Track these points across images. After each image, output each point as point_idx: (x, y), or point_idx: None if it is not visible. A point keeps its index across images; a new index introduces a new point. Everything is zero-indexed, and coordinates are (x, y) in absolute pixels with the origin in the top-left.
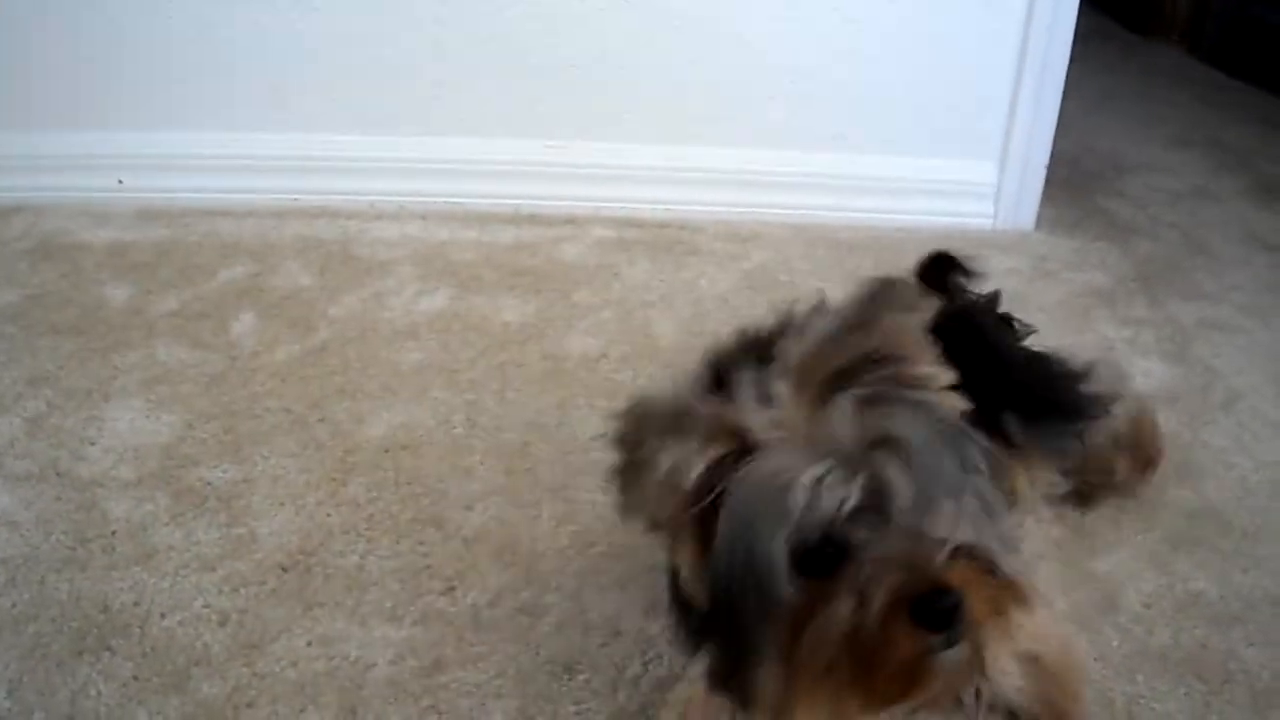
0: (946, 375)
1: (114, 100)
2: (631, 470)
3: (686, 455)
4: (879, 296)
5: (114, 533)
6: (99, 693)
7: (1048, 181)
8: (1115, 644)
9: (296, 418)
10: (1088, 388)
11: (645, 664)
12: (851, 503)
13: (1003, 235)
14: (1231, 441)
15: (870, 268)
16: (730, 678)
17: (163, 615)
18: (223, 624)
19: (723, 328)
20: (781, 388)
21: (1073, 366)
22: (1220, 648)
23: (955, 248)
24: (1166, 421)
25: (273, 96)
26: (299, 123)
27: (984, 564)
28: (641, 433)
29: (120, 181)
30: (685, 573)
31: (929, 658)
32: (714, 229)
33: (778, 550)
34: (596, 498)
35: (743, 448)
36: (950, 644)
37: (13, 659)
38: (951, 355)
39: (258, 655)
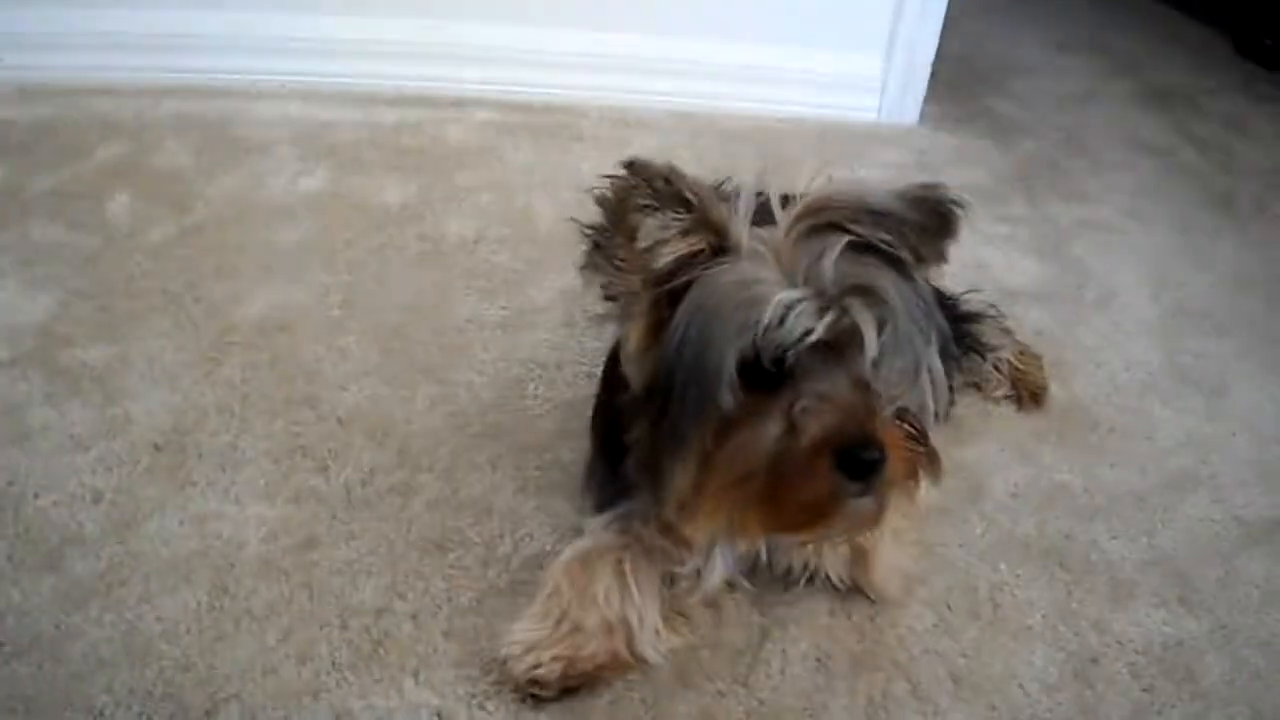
0: (937, 262)
1: None
2: (610, 232)
3: (668, 235)
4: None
5: None
6: None
7: (934, 79)
8: (980, 531)
9: (172, 297)
10: (970, 326)
11: (515, 542)
12: (816, 334)
13: (886, 129)
14: (1103, 340)
15: (753, 157)
16: (649, 466)
17: (36, 495)
18: (96, 503)
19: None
20: (779, 212)
21: (962, 308)
22: (1083, 539)
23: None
24: (1040, 319)
25: None
26: (180, 0)
27: (917, 432)
28: (630, 198)
29: (1, 59)
30: (630, 349)
31: (839, 501)
32: (599, 114)
33: (730, 354)
34: (472, 379)
35: (721, 248)
36: (862, 494)
37: None
38: None
39: (131, 534)
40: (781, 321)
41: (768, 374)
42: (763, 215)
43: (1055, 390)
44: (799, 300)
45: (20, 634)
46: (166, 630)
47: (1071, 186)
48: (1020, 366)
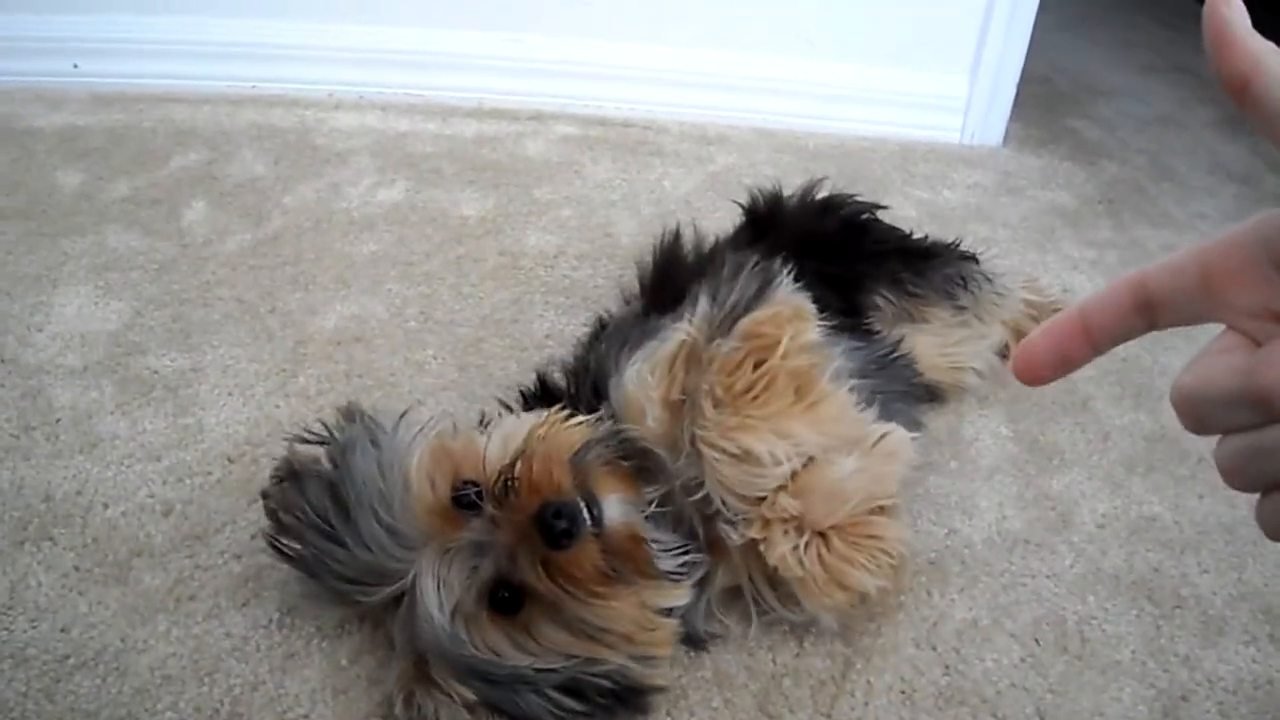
0: None
1: None
2: None
3: None
4: None
5: (58, 421)
6: (39, 583)
7: (1017, 100)
8: (1068, 563)
9: (247, 307)
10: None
11: None
12: None
13: (970, 150)
14: None
15: (835, 175)
16: None
17: (106, 505)
18: (167, 514)
19: (685, 230)
20: None
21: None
22: (1173, 572)
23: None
24: (1128, 346)
25: None
26: (259, 8)
27: None
28: None
29: (75, 66)
30: None
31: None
32: (680, 130)
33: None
34: None
35: None
36: None
37: None
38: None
39: (201, 547)
40: None
41: None
42: None
43: (1144, 419)
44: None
45: (85, 646)
46: (235, 647)
47: (1157, 211)
48: (1035, 297)
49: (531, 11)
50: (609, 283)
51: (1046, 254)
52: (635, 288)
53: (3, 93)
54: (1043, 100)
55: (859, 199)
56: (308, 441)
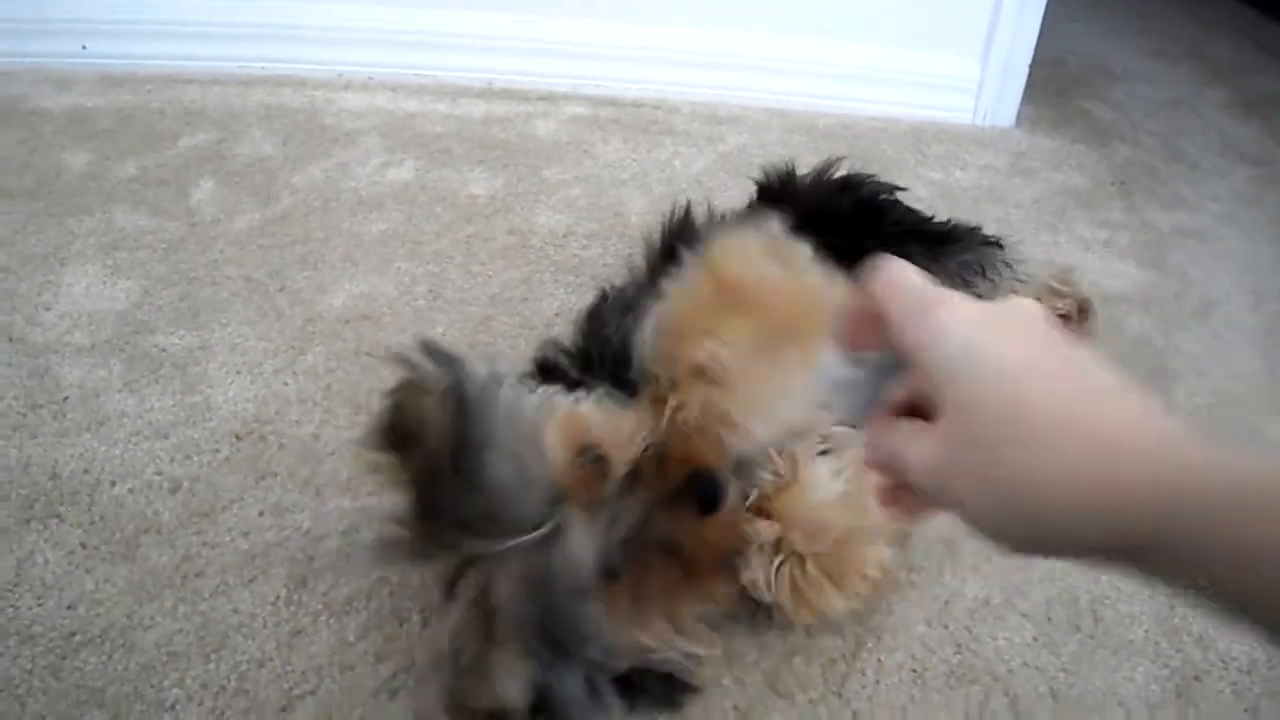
0: None
1: None
2: None
3: None
4: None
5: (66, 399)
6: (46, 560)
7: (1029, 82)
8: None
9: (256, 286)
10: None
11: None
12: None
13: (982, 131)
14: (1204, 349)
15: (847, 156)
16: None
17: (113, 483)
18: (174, 492)
19: (696, 209)
20: None
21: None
22: None
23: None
24: (1140, 325)
25: None
26: None
27: None
28: None
29: (84, 47)
30: None
31: None
32: (690, 110)
33: None
34: None
35: None
36: None
37: None
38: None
39: (208, 524)
40: None
41: None
42: None
43: (1157, 399)
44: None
45: (91, 623)
46: (242, 623)
47: (1169, 193)
48: (1063, 287)
49: None
50: (619, 261)
51: (1059, 235)
52: (643, 261)
53: (11, 74)
54: (1054, 82)
55: (877, 179)
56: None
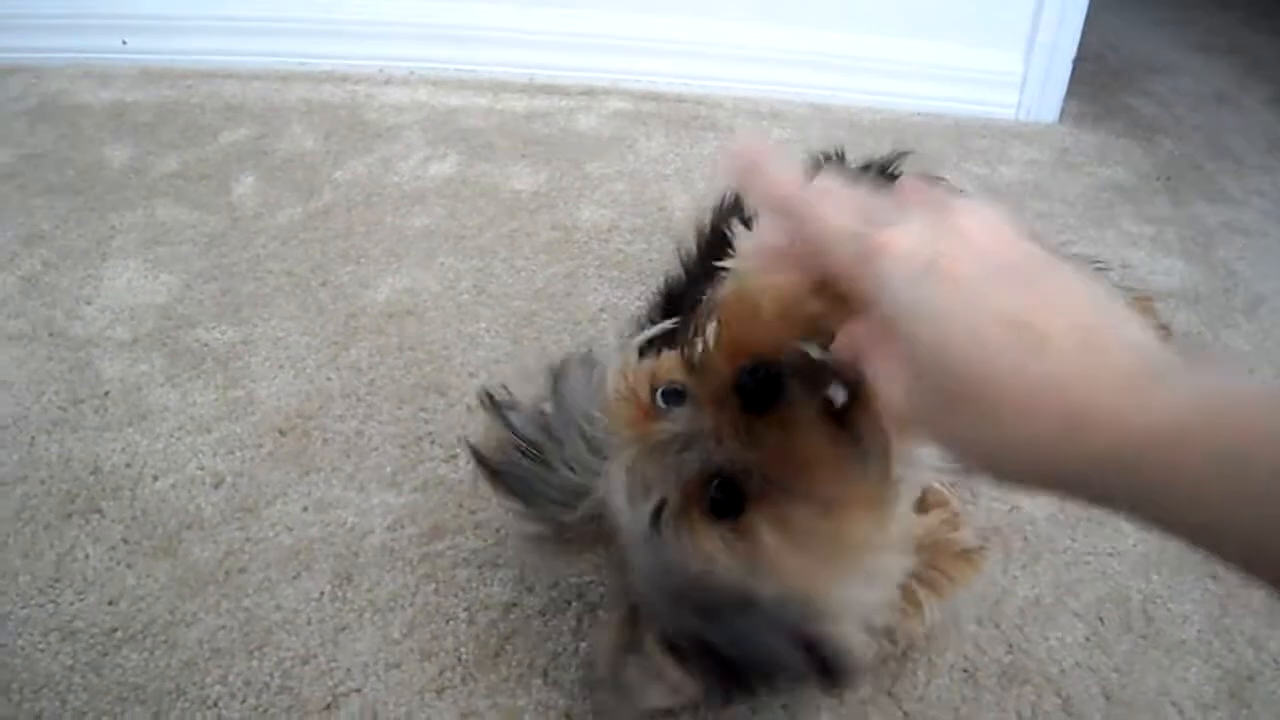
0: None
1: None
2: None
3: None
4: None
5: (107, 393)
6: (87, 555)
7: (1072, 76)
8: (1132, 541)
9: (298, 280)
10: None
11: None
12: None
13: (1026, 126)
14: (1253, 346)
15: (889, 151)
16: None
17: (155, 478)
18: (217, 487)
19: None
20: None
21: None
22: None
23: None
24: (1188, 321)
25: None
26: None
27: None
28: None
29: (124, 42)
30: None
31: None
32: (733, 105)
33: None
34: None
35: None
36: None
37: None
38: None
39: (252, 519)
40: None
41: None
42: None
43: None
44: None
45: (133, 619)
46: (286, 620)
47: (1214, 188)
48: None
49: None
50: (663, 257)
51: (1105, 230)
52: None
53: (52, 69)
54: (1098, 77)
55: (928, 174)
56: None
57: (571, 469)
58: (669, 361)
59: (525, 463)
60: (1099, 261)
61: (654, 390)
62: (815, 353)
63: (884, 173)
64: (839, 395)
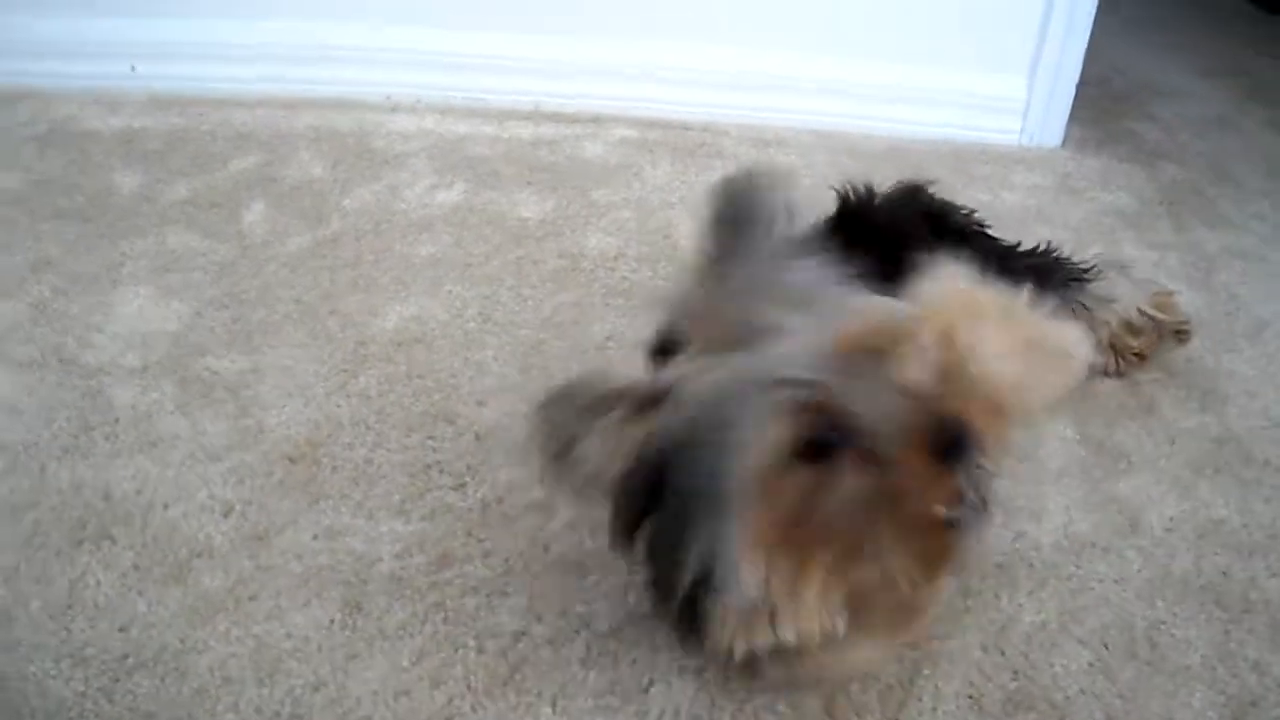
0: None
1: None
2: (558, 464)
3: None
4: None
5: (118, 421)
6: (98, 582)
7: (1076, 101)
8: (1136, 567)
9: (307, 308)
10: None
11: None
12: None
13: (1029, 152)
14: (1257, 371)
15: (893, 178)
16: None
17: (166, 505)
18: (227, 515)
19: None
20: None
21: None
22: (1241, 576)
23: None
24: (1191, 347)
25: None
26: (315, 12)
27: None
28: (564, 424)
29: (133, 69)
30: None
31: (954, 504)
32: (738, 133)
33: (759, 451)
34: None
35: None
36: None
37: (10, 547)
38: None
39: (262, 547)
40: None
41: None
42: None
43: (1210, 422)
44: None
45: (144, 646)
46: (296, 648)
47: (1216, 213)
48: (1156, 314)
49: (589, 15)
50: (669, 284)
51: (1109, 255)
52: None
53: (62, 95)
54: (1101, 102)
55: (963, 210)
56: None
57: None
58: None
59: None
60: (1125, 262)
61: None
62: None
63: (900, 199)
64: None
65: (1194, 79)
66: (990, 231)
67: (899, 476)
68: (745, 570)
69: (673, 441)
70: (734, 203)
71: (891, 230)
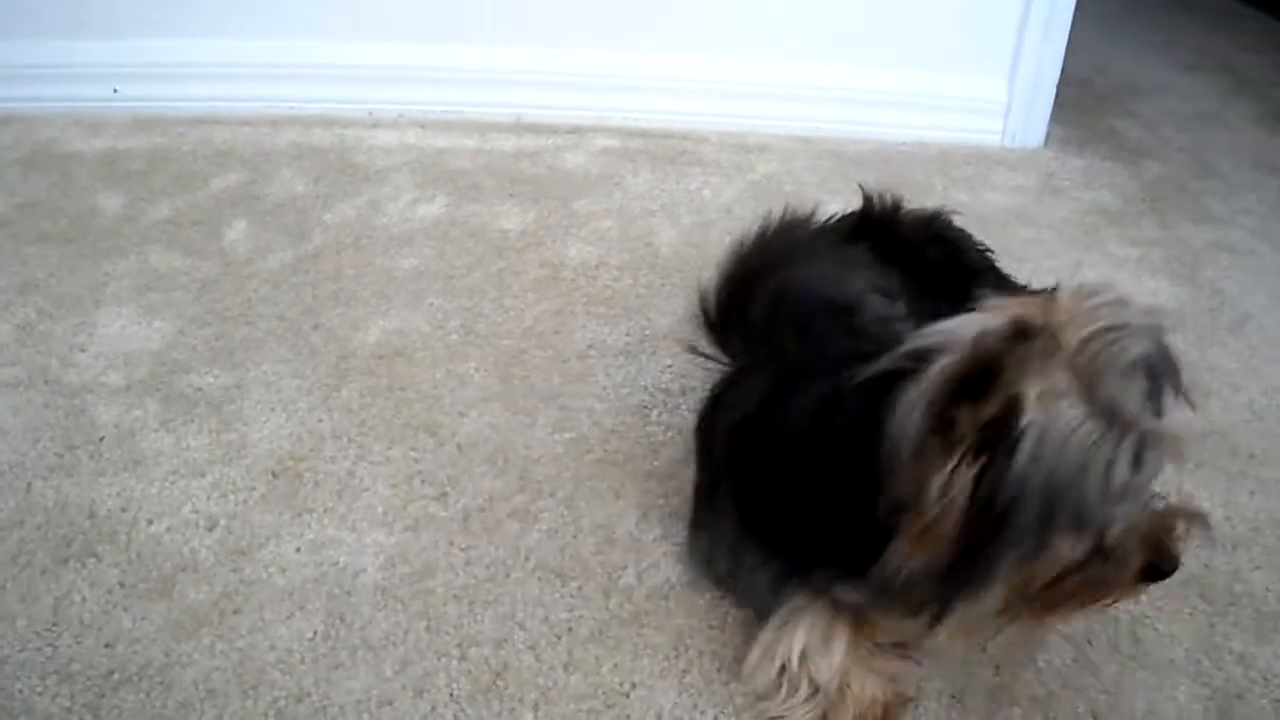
0: None
1: (109, 8)
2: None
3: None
4: None
5: (102, 439)
6: (83, 599)
7: (1057, 101)
8: None
9: (290, 324)
10: None
11: (639, 572)
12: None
13: (1011, 153)
14: (1240, 364)
15: (876, 182)
16: (916, 594)
17: (150, 521)
18: (211, 530)
19: (725, 237)
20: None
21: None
22: (1225, 569)
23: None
24: (1175, 342)
25: (270, 4)
26: (296, 30)
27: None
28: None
29: (115, 90)
30: (939, 508)
31: (1124, 597)
32: (719, 140)
33: (1071, 512)
34: (593, 405)
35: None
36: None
37: None
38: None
39: (246, 561)
40: (1116, 483)
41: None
42: None
43: (1194, 416)
44: (1129, 458)
45: (129, 661)
46: (280, 660)
47: (1201, 208)
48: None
49: (568, 25)
50: (650, 292)
51: (1091, 253)
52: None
53: (44, 118)
54: (1083, 101)
55: (979, 245)
56: None
57: None
58: None
59: None
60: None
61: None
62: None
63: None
64: None
65: (1176, 75)
66: (1000, 267)
67: (1117, 581)
68: (992, 598)
69: (1035, 469)
70: None
71: (915, 251)
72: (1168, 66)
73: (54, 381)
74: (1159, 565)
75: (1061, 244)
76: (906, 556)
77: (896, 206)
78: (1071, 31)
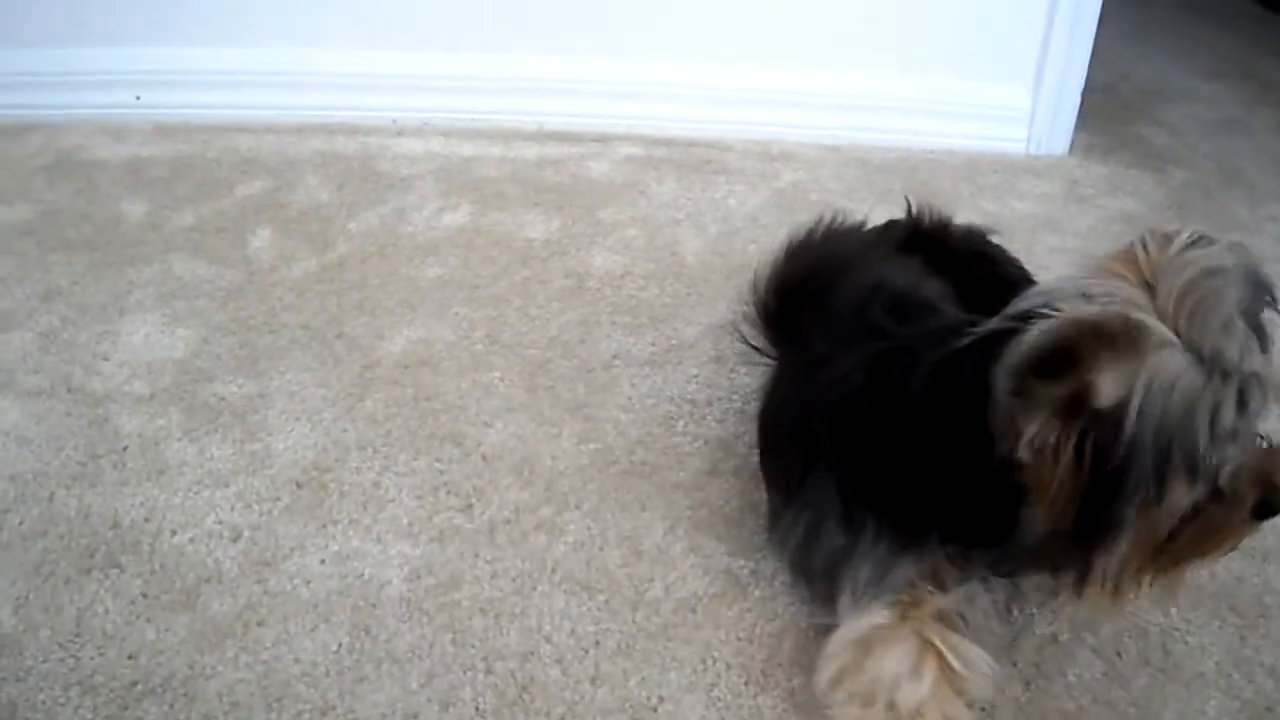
0: None
1: (132, 16)
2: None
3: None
4: None
5: (125, 448)
6: (106, 610)
7: (1082, 108)
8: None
9: (314, 333)
10: None
11: (666, 585)
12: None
13: (1036, 160)
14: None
15: (901, 189)
16: (1060, 551)
17: (174, 532)
18: (235, 540)
19: (751, 246)
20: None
21: None
22: (1256, 581)
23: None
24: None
25: (294, 11)
26: (321, 38)
27: None
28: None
29: (138, 98)
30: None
31: (1239, 539)
32: (744, 148)
33: (1186, 458)
34: (619, 416)
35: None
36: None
37: (19, 576)
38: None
39: (270, 572)
40: (1224, 426)
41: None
42: None
43: None
44: (1233, 402)
45: (153, 673)
46: (305, 672)
47: (1227, 215)
48: None
49: (591, 34)
50: (676, 302)
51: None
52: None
53: (67, 125)
54: (1108, 108)
55: (1015, 261)
56: None
57: None
58: None
59: None
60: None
61: None
62: None
63: (972, 238)
64: None
65: (1201, 82)
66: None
67: (1234, 522)
68: (1123, 548)
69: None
70: None
71: (962, 265)
72: (1191, 73)
73: (77, 390)
74: (1270, 502)
75: (1088, 252)
76: (1039, 520)
77: (945, 223)
78: (1095, 38)
